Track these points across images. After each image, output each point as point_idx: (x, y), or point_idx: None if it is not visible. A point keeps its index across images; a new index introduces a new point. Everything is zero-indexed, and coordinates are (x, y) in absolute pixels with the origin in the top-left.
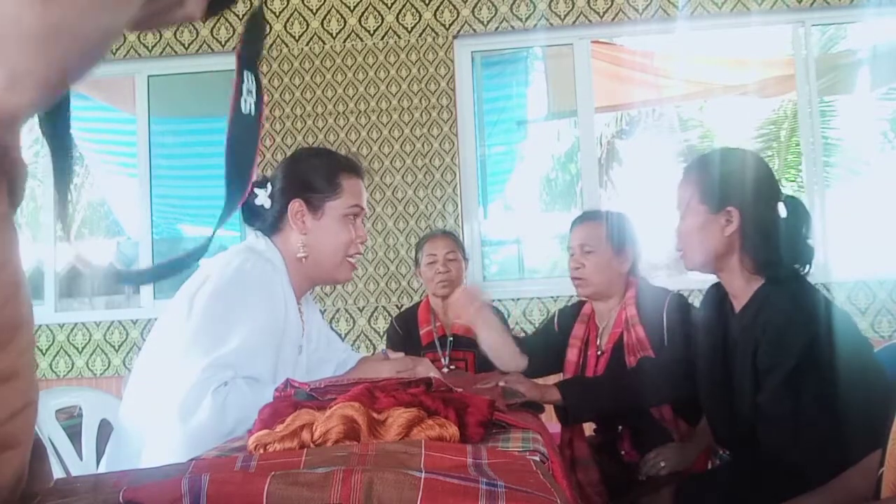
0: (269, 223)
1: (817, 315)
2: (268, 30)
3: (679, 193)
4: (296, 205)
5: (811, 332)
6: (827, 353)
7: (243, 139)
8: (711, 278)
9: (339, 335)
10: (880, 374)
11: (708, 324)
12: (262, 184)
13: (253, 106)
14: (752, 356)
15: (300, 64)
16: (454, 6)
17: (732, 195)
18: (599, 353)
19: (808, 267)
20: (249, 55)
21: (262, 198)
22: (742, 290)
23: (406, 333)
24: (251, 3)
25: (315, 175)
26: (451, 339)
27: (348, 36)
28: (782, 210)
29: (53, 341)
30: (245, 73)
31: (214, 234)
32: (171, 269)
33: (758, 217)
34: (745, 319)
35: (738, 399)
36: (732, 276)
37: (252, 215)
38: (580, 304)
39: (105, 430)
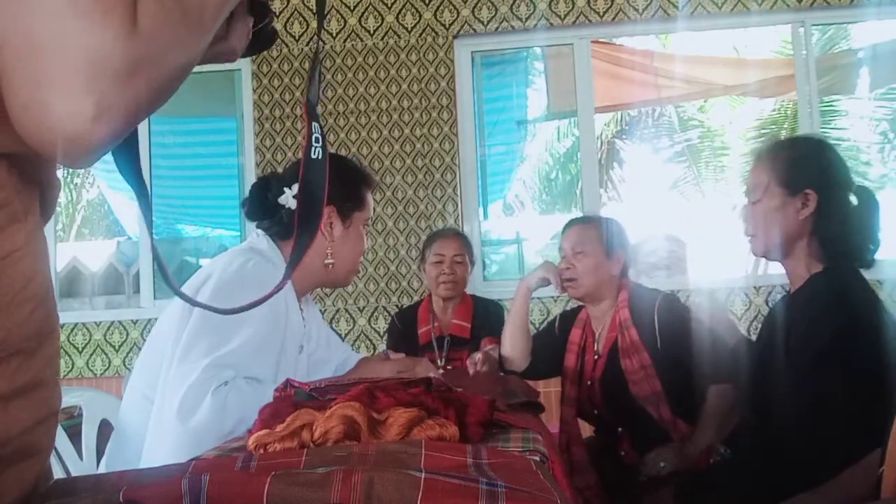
0: (287, 224)
1: (856, 306)
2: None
3: (753, 177)
4: (328, 211)
5: (843, 322)
6: (858, 346)
7: (314, 182)
8: (711, 278)
9: (339, 335)
10: None
11: (768, 317)
12: (289, 182)
13: (321, 150)
14: (787, 338)
15: (300, 64)
16: (454, 6)
17: (811, 178)
18: (596, 357)
19: (871, 258)
20: (314, 100)
21: (288, 197)
22: (802, 277)
23: (406, 331)
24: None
25: (349, 183)
26: (449, 338)
27: (348, 36)
28: (853, 199)
29: None
30: (314, 124)
31: (289, 275)
32: None
33: (833, 202)
34: (795, 303)
35: (769, 381)
36: (797, 263)
37: (264, 213)
38: (580, 308)
39: (105, 430)
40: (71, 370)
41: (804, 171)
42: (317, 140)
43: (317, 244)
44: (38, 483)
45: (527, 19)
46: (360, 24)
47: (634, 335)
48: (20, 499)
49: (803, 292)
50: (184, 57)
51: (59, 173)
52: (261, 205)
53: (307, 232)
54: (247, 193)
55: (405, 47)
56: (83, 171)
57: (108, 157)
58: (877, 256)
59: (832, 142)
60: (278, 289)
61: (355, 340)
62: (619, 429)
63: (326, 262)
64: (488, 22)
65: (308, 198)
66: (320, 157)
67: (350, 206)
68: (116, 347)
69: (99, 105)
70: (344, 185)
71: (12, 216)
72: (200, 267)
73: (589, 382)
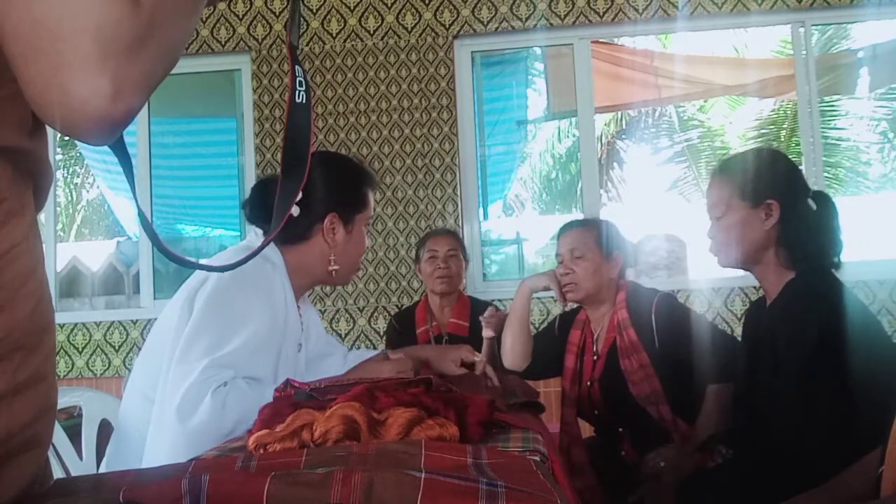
0: (292, 231)
1: (836, 306)
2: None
3: (713, 195)
4: (332, 218)
5: (827, 322)
6: (843, 344)
7: (300, 127)
8: (711, 278)
9: (339, 335)
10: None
11: (747, 324)
12: None
13: (304, 94)
14: (773, 344)
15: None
16: (454, 6)
17: (772, 189)
18: (595, 357)
19: (837, 260)
20: (296, 45)
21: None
22: (774, 284)
23: (404, 331)
24: (251, 3)
25: (351, 188)
26: (447, 337)
27: (348, 36)
28: (812, 205)
29: None
30: (297, 67)
31: (286, 219)
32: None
33: (795, 209)
34: (774, 311)
35: (760, 388)
36: (767, 271)
37: (263, 216)
38: (579, 308)
39: (105, 430)
40: (71, 370)
41: (763, 182)
42: (300, 84)
43: (320, 249)
44: (38, 474)
45: (527, 19)
46: (360, 24)
47: (633, 335)
48: (23, 490)
49: (781, 299)
50: (185, 22)
51: (55, 169)
52: (260, 207)
53: (294, 178)
54: (247, 194)
55: (405, 47)
56: (83, 170)
57: (106, 155)
58: (867, 258)
59: (832, 142)
60: (268, 241)
61: (355, 340)
62: (620, 429)
63: (330, 268)
64: (488, 22)
65: (293, 142)
66: (304, 101)
67: (352, 209)
68: (116, 347)
69: (115, 82)
70: (345, 188)
71: (10, 211)
72: None
73: (589, 383)
